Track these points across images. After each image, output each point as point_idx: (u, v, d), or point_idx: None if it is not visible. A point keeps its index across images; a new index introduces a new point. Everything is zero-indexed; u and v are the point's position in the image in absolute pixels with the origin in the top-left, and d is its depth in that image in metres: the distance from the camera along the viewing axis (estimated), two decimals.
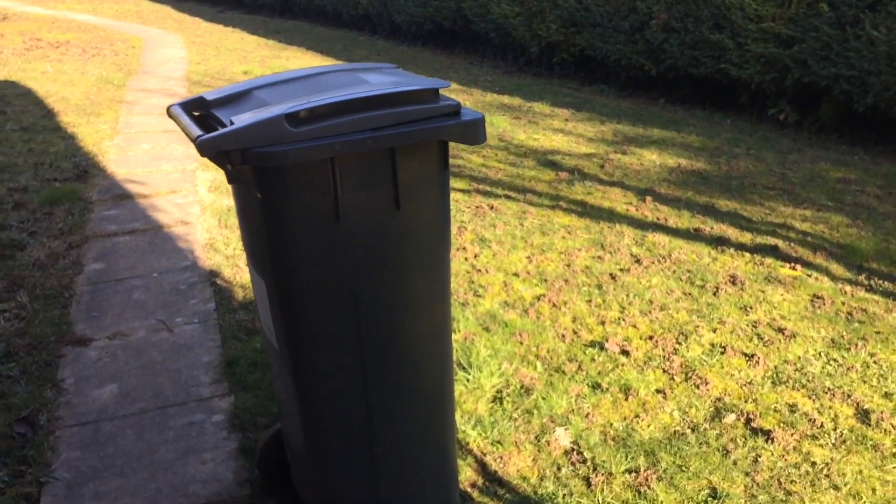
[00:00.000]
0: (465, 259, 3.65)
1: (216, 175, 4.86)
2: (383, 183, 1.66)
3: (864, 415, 2.47)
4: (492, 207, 4.33)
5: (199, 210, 4.26)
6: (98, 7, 16.49)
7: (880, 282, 3.42)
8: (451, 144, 1.79)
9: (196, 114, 1.79)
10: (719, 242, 3.86)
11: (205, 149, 1.49)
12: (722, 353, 2.82)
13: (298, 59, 9.68)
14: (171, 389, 2.64)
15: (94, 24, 13.30)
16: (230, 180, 1.78)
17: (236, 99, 1.76)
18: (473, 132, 1.71)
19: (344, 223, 1.64)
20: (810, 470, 2.21)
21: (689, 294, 3.31)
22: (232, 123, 1.54)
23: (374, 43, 11.42)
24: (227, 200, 4.41)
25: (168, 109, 1.78)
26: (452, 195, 4.51)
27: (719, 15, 6.46)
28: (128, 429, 2.43)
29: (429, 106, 1.67)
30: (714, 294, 3.30)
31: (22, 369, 2.70)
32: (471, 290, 3.33)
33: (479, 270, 3.52)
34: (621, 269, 3.54)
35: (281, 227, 1.62)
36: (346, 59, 9.67)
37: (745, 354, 2.82)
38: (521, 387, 2.60)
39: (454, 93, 7.55)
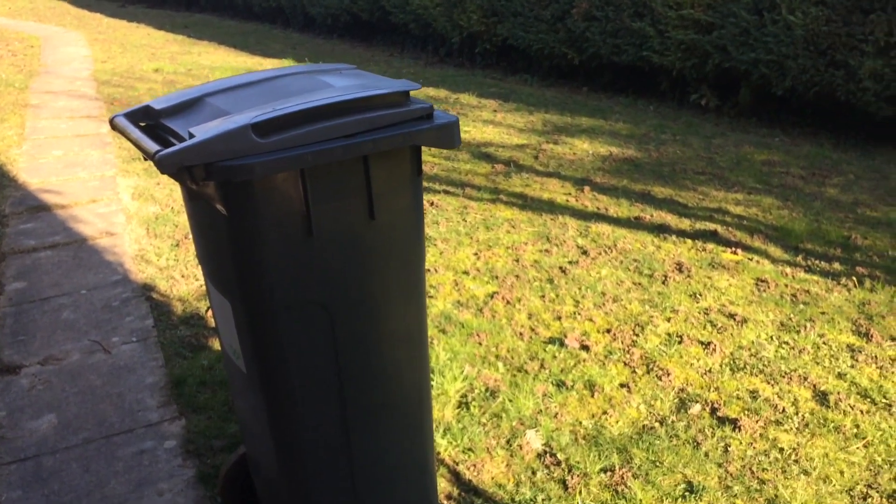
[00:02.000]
0: None
1: (139, 181, 4.60)
2: (356, 193, 1.57)
3: (822, 397, 2.53)
4: (432, 204, 4.26)
5: (124, 219, 4.02)
6: None
7: (817, 262, 3.54)
8: None
9: (143, 124, 1.64)
10: (661, 230, 3.91)
11: (165, 165, 1.36)
12: (679, 343, 2.85)
13: (211, 55, 9.32)
14: (115, 416, 2.46)
15: None
16: (190, 197, 1.65)
17: (188, 107, 1.62)
18: (448, 136, 1.62)
19: (316, 237, 1.54)
20: (779, 456, 2.25)
21: (639, 284, 3.33)
22: (191, 136, 1.41)
23: (289, 36, 11.13)
24: (154, 208, 4.17)
25: (112, 121, 1.63)
26: None
27: (640, 3, 6.57)
28: (72, 462, 2.25)
29: (401, 110, 1.58)
30: (663, 282, 3.33)
31: None
32: None
33: (429, 270, 3.45)
34: (570, 262, 3.54)
35: (249, 244, 1.50)
36: (262, 54, 9.38)
37: (702, 342, 2.85)
38: (486, 390, 2.55)
39: None
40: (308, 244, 1.54)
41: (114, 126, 1.61)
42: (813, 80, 5.51)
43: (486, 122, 6.09)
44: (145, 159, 1.43)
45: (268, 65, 8.63)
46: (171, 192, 4.40)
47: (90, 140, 5.46)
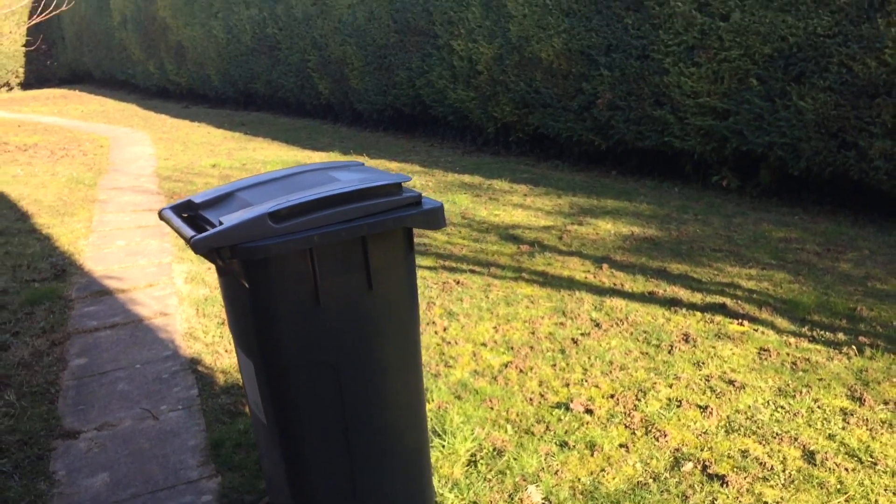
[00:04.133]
0: (435, 332, 3.85)
1: (191, 267, 5.03)
2: (357, 268, 1.88)
3: (810, 456, 2.68)
4: (458, 282, 4.56)
5: (176, 301, 4.42)
6: (63, 109, 16.82)
7: (822, 332, 3.69)
8: None
9: (185, 215, 2.00)
10: (672, 303, 4.12)
11: (198, 247, 1.70)
12: (678, 407, 3.03)
13: (265, 150, 10.00)
14: (160, 474, 2.75)
15: (60, 125, 13.58)
16: (220, 273, 1.98)
17: (222, 200, 1.98)
18: (434, 219, 1.95)
19: (323, 305, 1.85)
20: None
21: (647, 353, 3.53)
22: (221, 223, 1.76)
23: (337, 130, 11.83)
24: (204, 290, 4.57)
25: (160, 213, 2.00)
26: (420, 273, 4.74)
27: (659, 93, 6.94)
28: None
29: (393, 198, 1.91)
30: (669, 352, 3.53)
31: (14, 464, 2.80)
32: (442, 362, 3.51)
33: (449, 342, 3.72)
34: (582, 334, 3.77)
35: (267, 311, 1.82)
36: (311, 148, 10.01)
37: (700, 406, 3.03)
38: (494, 449, 2.77)
39: (417, 174, 7.89)
40: (316, 312, 1.85)
41: (161, 217, 1.98)
42: (826, 161, 5.73)
43: (516, 206, 6.44)
44: (186, 244, 1.78)
45: (316, 157, 9.22)
46: None
47: (150, 231, 5.98)
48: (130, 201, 7.03)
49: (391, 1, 10.20)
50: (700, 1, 6.46)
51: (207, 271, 4.93)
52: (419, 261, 4.96)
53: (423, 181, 7.56)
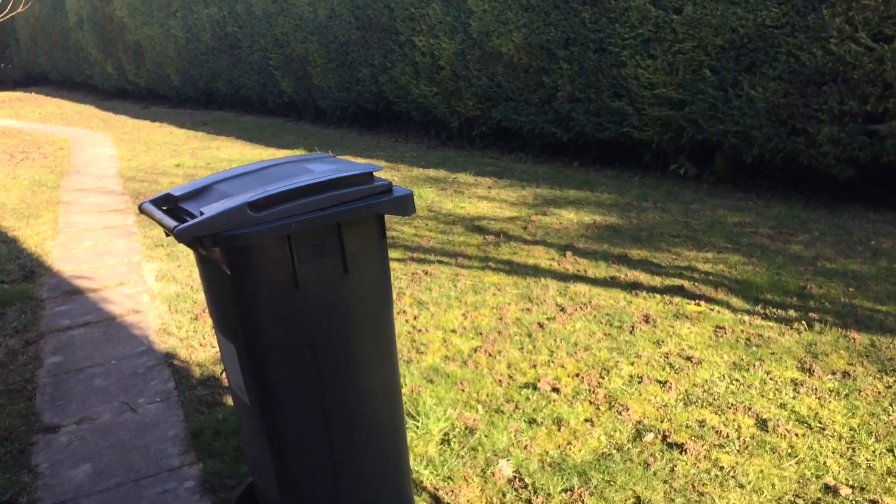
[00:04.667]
0: (406, 321, 3.96)
1: (161, 265, 5.07)
2: (333, 253, 1.98)
3: (762, 423, 2.85)
4: (427, 273, 4.67)
5: (148, 298, 4.46)
6: (20, 111, 16.54)
7: (774, 310, 3.88)
8: (387, 217, 2.14)
9: (165, 208, 2.08)
10: (633, 287, 4.28)
11: (182, 236, 1.79)
12: (640, 383, 3.18)
13: (228, 149, 9.99)
14: (142, 463, 2.82)
15: (18, 128, 13.37)
16: (201, 261, 2.07)
17: (200, 192, 2.07)
18: (404, 205, 2.05)
19: (302, 289, 1.95)
20: (719, 473, 2.56)
21: (609, 334, 3.69)
22: (202, 213, 1.84)
23: (301, 128, 11.85)
24: (175, 287, 4.62)
25: (140, 206, 2.07)
26: (390, 264, 4.84)
27: (617, 85, 7.12)
28: (106, 502, 2.61)
29: (366, 187, 2.01)
30: (630, 332, 3.69)
31: None
32: (414, 348, 3.63)
33: (420, 330, 3.83)
34: (548, 318, 3.91)
35: (248, 296, 1.91)
36: (276, 145, 10.03)
37: (660, 381, 3.19)
38: (466, 428, 2.89)
39: (383, 170, 7.95)
40: (295, 295, 1.95)
41: (142, 210, 2.05)
42: (778, 148, 5.96)
43: (481, 198, 6.57)
44: (167, 234, 1.87)
45: (281, 155, 9.24)
46: (190, 273, 4.85)
47: (118, 231, 5.98)
48: (95, 202, 7.01)
49: None
50: None
51: (178, 269, 4.97)
52: (388, 253, 5.05)
53: (389, 176, 7.65)
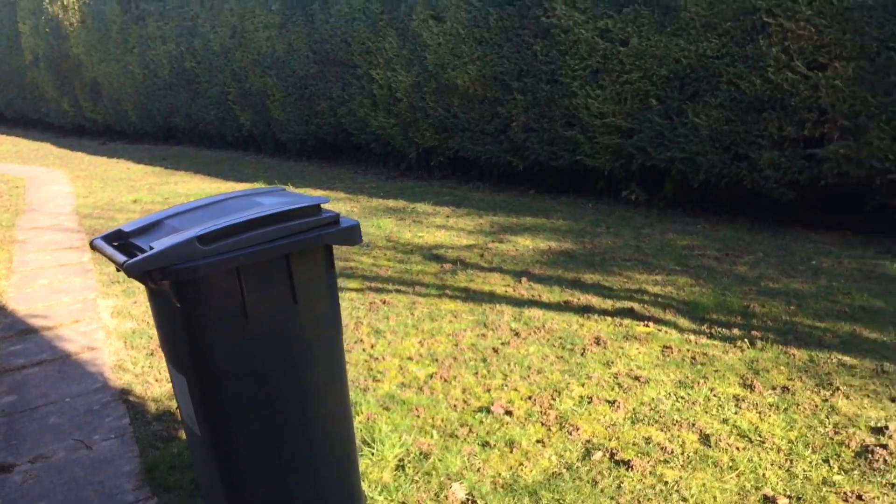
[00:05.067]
0: (363, 350, 4.01)
1: (117, 301, 5.05)
2: (282, 283, 2.05)
3: (705, 439, 2.95)
4: (384, 302, 4.73)
5: (104, 335, 4.45)
6: None
7: (719, 329, 4.02)
8: (343, 248, 2.21)
9: (116, 244, 2.13)
10: (585, 310, 4.40)
11: (131, 271, 1.84)
12: (589, 403, 3.28)
13: (187, 183, 9.97)
14: (96, 499, 2.82)
15: None
16: (152, 295, 2.12)
17: (151, 228, 2.12)
18: (351, 236, 2.14)
19: (251, 319, 2.01)
20: (664, 488, 2.65)
21: (562, 357, 3.78)
22: (151, 248, 1.90)
23: (261, 161, 11.88)
24: (131, 324, 4.61)
25: (91, 243, 2.12)
26: (348, 294, 4.90)
27: (569, 114, 7.33)
28: None
29: (313, 219, 2.09)
30: (582, 354, 3.79)
31: None
32: (370, 377, 3.68)
33: (377, 358, 3.89)
34: (503, 343, 3.99)
35: (198, 328, 1.97)
36: (235, 179, 10.05)
37: (609, 401, 3.28)
38: (420, 453, 2.95)
39: (342, 201, 8.05)
40: (245, 325, 2.01)
41: (93, 247, 2.10)
42: (722, 173, 6.19)
43: (439, 227, 6.67)
44: (118, 270, 1.92)
45: (240, 189, 9.25)
46: (146, 309, 4.85)
47: (73, 268, 5.94)
48: (51, 240, 6.95)
49: (309, 32, 10.39)
50: (601, 28, 6.88)
51: (133, 305, 4.96)
52: (347, 283, 5.12)
53: (348, 207, 7.72)
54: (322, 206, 2.16)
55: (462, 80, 8.37)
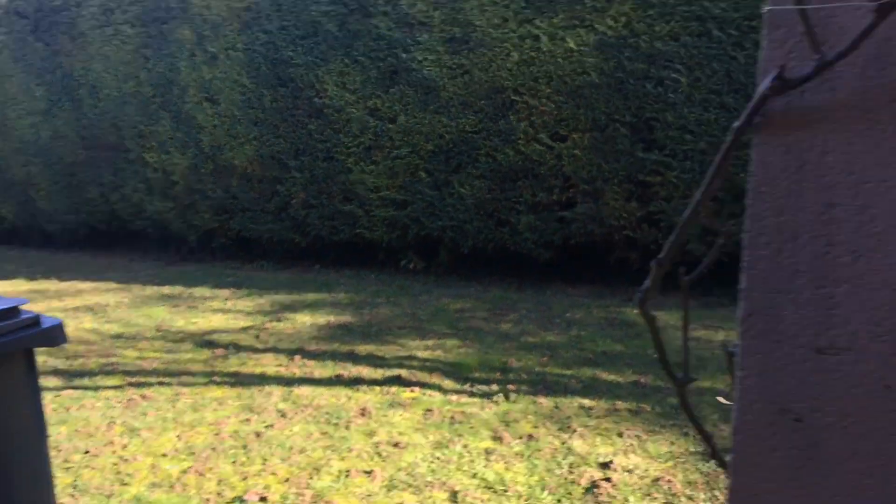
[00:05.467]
0: (113, 452, 3.73)
1: None
2: None
3: (454, 496, 3.04)
4: (144, 397, 4.46)
5: None
6: None
7: (480, 386, 4.20)
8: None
9: None
10: (355, 382, 4.42)
11: None
12: (347, 476, 3.26)
13: None
14: None
15: None
16: None
17: None
18: (53, 336, 2.02)
19: None
20: None
21: (326, 433, 3.75)
22: None
23: (25, 255, 10.94)
24: None
25: None
26: (104, 393, 4.57)
27: (347, 190, 7.49)
28: None
29: (11, 321, 1.96)
30: (346, 428, 3.78)
31: None
32: (117, 481, 3.42)
33: (127, 460, 3.63)
34: (267, 426, 3.89)
35: None
36: None
37: (366, 472, 3.29)
38: None
39: (112, 291, 7.57)
40: None
41: None
42: (488, 238, 6.58)
43: (216, 311, 6.45)
44: None
45: None
46: None
47: None
48: None
49: (77, 118, 9.87)
50: (370, 107, 7.17)
51: None
52: (104, 381, 4.78)
53: (118, 298, 7.27)
54: (21, 307, 2.03)
55: (240, 161, 8.31)
